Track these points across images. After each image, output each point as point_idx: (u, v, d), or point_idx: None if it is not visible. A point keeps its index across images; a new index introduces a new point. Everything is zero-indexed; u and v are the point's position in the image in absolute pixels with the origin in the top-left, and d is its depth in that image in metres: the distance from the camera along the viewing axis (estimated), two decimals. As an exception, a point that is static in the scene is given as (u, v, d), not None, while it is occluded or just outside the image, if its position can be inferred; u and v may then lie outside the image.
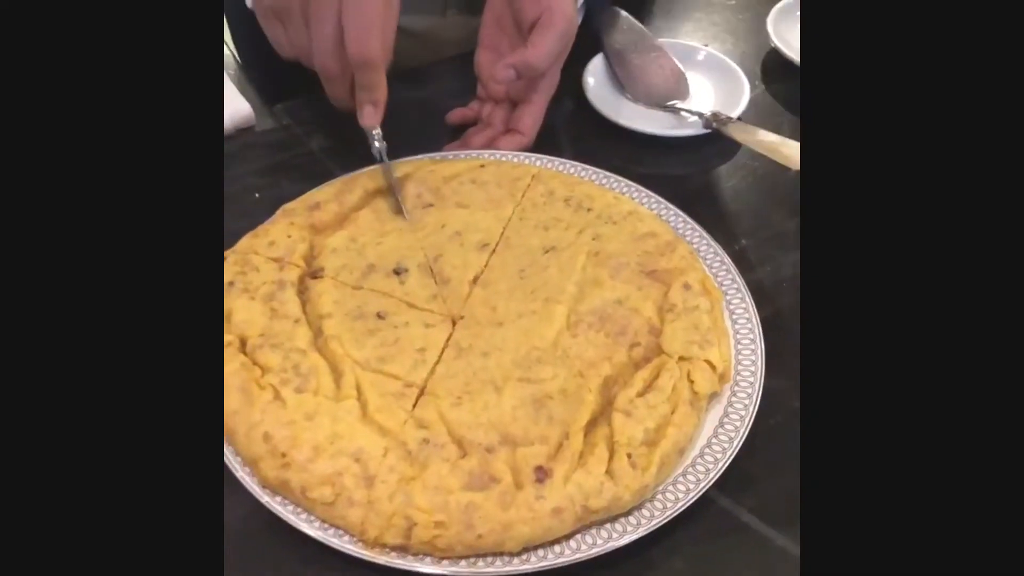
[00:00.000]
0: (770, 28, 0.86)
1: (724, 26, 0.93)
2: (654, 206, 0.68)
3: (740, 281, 0.62)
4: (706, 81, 0.83)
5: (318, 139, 0.78)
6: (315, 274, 0.61)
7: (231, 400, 0.52)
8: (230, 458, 0.52)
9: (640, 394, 0.53)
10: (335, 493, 0.48)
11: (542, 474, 0.49)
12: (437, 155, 0.72)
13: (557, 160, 0.71)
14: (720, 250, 0.64)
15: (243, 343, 0.56)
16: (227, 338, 0.55)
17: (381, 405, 0.52)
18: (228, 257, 0.61)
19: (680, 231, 0.65)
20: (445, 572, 0.47)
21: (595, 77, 0.82)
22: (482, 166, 0.70)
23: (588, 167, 0.70)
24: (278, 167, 0.75)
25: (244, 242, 0.62)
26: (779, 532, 0.51)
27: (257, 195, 0.72)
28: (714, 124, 0.75)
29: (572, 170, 0.71)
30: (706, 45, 0.86)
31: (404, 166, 0.70)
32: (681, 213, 0.67)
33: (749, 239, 0.69)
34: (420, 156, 0.71)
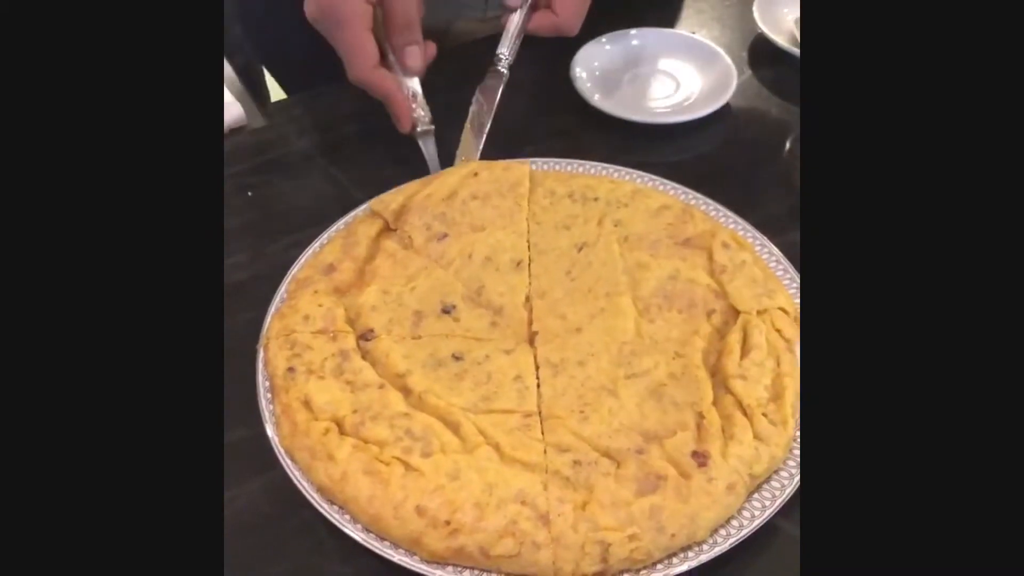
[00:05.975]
0: (756, 15, 0.86)
1: (711, 13, 0.93)
2: (649, 183, 0.69)
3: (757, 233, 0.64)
4: (694, 68, 0.82)
5: (308, 137, 0.79)
6: (365, 336, 0.58)
7: (361, 487, 0.49)
8: (374, 545, 0.48)
9: (743, 356, 0.54)
10: (518, 542, 0.46)
11: (701, 458, 0.49)
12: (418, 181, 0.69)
13: (540, 160, 0.71)
14: (719, 206, 0.66)
15: (339, 425, 0.52)
16: (323, 425, 0.51)
17: (513, 442, 0.51)
18: (267, 344, 0.57)
19: (683, 199, 0.67)
20: None
21: (583, 67, 0.81)
22: (475, 174, 0.67)
23: (574, 160, 0.71)
24: (269, 165, 0.76)
25: (275, 326, 0.58)
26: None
27: (250, 193, 0.73)
28: None
29: (557, 167, 0.71)
30: (693, 32, 0.86)
31: (395, 196, 0.66)
32: (669, 182, 0.68)
33: (744, 221, 0.67)
34: (405, 185, 0.68)
